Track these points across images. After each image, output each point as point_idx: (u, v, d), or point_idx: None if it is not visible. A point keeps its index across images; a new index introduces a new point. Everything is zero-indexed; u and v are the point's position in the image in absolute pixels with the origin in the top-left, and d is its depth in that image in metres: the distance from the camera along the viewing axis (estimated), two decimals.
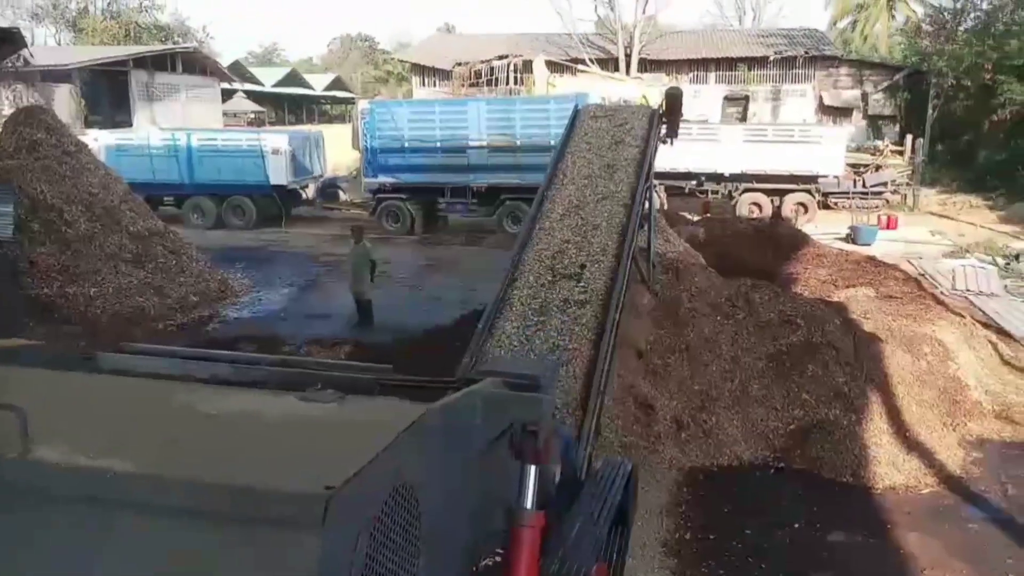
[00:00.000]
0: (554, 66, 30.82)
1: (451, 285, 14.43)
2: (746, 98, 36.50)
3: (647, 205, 9.82)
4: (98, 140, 20.22)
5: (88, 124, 28.46)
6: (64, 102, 28.77)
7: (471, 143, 19.70)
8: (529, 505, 2.89)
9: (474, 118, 19.80)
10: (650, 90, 24.57)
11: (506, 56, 33.14)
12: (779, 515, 6.78)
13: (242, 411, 2.48)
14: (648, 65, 36.82)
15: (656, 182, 12.03)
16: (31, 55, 14.93)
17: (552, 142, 16.79)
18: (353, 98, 53.39)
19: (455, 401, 2.64)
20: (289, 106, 60.21)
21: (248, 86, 53.29)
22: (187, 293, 12.86)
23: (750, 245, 15.59)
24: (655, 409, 8.08)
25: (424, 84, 40.74)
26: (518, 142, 19.24)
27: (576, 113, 10.63)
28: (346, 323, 11.90)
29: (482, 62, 33.82)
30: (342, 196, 25.26)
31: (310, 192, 23.80)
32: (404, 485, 2.08)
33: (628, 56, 36.80)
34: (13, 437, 1.99)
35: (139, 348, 4.70)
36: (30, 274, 11.67)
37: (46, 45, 44.07)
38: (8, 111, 22.15)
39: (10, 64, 14.88)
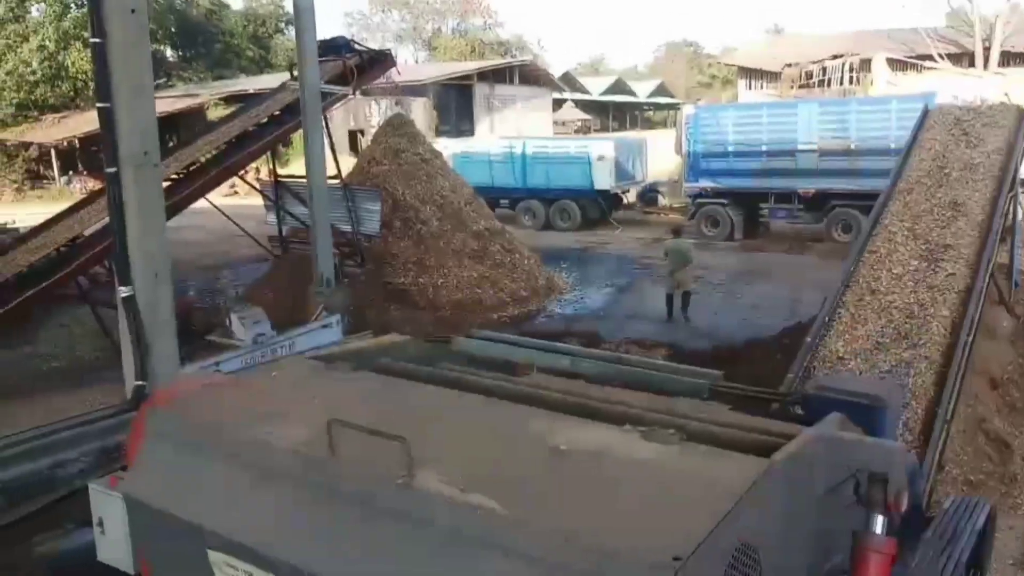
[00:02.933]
0: (895, 64, 28.38)
1: (772, 294, 13.96)
2: None
3: (1010, 216, 8.75)
4: (447, 148, 22.49)
5: (438, 133, 31.77)
6: (420, 114, 32.36)
7: (800, 147, 18.85)
8: (879, 530, 2.75)
9: (804, 120, 18.93)
10: (1015, 87, 21.66)
11: (840, 55, 31.17)
12: None
13: (590, 449, 2.42)
14: (1012, 59, 32.45)
15: (1022, 190, 10.66)
16: (399, 72, 17.01)
17: (893, 145, 15.51)
18: (676, 104, 53.45)
19: (798, 451, 2.54)
20: (614, 113, 61.87)
21: (576, 95, 55.67)
22: (518, 288, 13.88)
23: None
24: (1011, 448, 7.18)
25: (750, 87, 39.66)
26: (853, 145, 18.03)
27: (925, 113, 9.76)
28: (663, 325, 12.07)
29: (813, 63, 32.15)
30: (661, 201, 25.52)
31: (631, 196, 24.36)
32: (747, 546, 2.04)
33: (987, 50, 32.73)
34: (401, 462, 2.15)
35: (487, 335, 5.21)
36: (391, 264, 13.36)
37: (406, 63, 49.83)
38: (376, 123, 25.52)
39: (384, 81, 17.11)
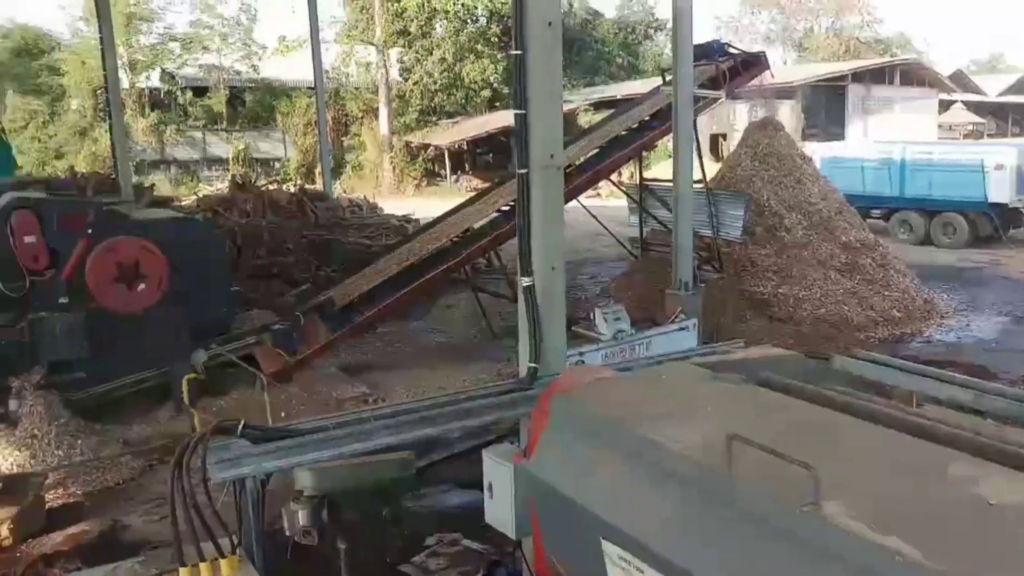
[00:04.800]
0: None
1: None
2: None
3: None
4: (815, 152, 21.33)
5: (805, 137, 30.29)
6: (787, 117, 31.11)
7: None
8: None
9: None
10: None
11: None
12: None
13: (1006, 501, 2.16)
14: None
15: None
16: (772, 75, 16.49)
17: None
18: None
19: None
20: (1014, 116, 54.01)
21: (968, 96, 49.56)
22: (890, 307, 12.75)
23: None
24: None
25: None
26: None
27: None
28: None
29: None
30: None
31: None
32: None
33: None
34: (805, 488, 2.09)
35: (872, 356, 4.86)
36: (750, 272, 13.04)
37: (774, 65, 48.14)
38: (739, 126, 25.01)
39: (755, 84, 16.75)
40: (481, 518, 4.16)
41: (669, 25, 46.78)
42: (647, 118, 14.10)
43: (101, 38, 15.23)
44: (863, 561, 1.92)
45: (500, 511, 4.06)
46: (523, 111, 4.29)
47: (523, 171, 4.36)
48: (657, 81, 16.93)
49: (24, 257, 7.99)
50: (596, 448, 2.83)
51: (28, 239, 7.97)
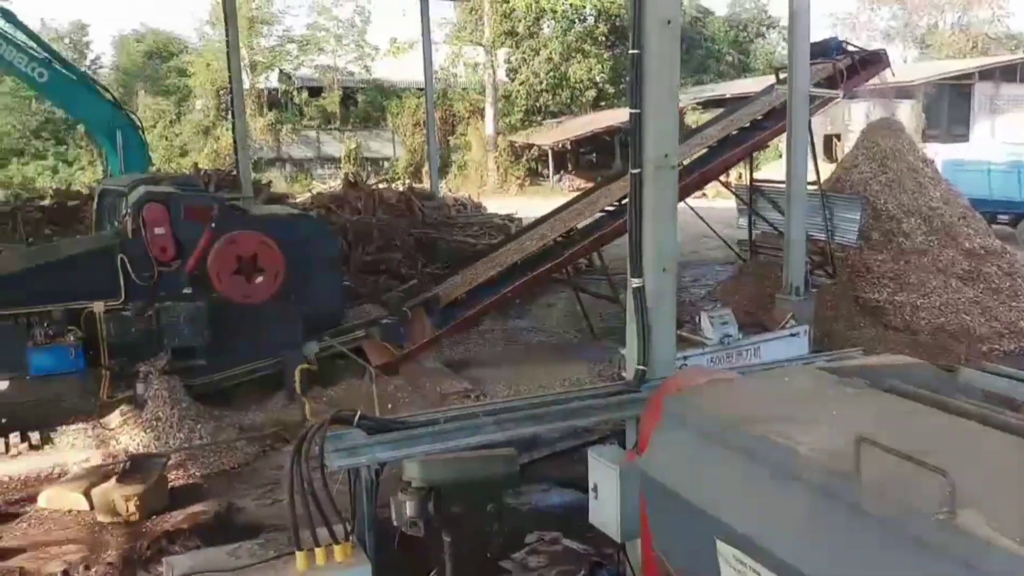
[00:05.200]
0: None
1: None
2: None
3: None
4: (937, 154, 20.28)
5: (925, 138, 28.84)
6: (906, 117, 29.70)
7: None
8: None
9: None
10: None
11: None
12: None
13: None
14: None
15: None
16: (892, 73, 15.80)
17: None
18: None
19: None
20: None
21: None
22: (1017, 318, 12.00)
23: None
24: None
25: None
26: None
27: None
28: None
29: None
30: None
31: None
32: None
33: None
34: (940, 495, 2.03)
35: (1003, 371, 4.59)
36: (865, 278, 12.51)
37: (894, 63, 46.11)
38: (855, 127, 24.05)
39: (876, 83, 16.10)
40: (580, 518, 4.15)
41: (783, 22, 45.35)
42: (759, 117, 13.76)
43: (227, 41, 15.99)
44: (1004, 571, 1.85)
45: (605, 512, 4.05)
46: (638, 110, 4.26)
47: (636, 171, 4.33)
48: (769, 80, 16.50)
49: (154, 247, 8.47)
50: (713, 448, 2.78)
51: (158, 230, 8.46)
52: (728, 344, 8.90)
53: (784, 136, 11.58)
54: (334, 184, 27.12)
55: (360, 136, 39.15)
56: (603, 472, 3.98)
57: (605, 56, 39.49)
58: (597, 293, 12.67)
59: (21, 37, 9.93)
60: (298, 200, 19.30)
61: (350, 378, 9.47)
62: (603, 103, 39.71)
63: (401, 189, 20.33)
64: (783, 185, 11.32)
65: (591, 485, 4.21)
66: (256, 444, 8.14)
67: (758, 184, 14.70)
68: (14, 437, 7.97)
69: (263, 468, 7.74)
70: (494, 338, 12.24)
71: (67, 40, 41.86)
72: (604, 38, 39.58)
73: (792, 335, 9.46)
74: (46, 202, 15.33)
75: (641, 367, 4.43)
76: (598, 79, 39.38)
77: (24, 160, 35.17)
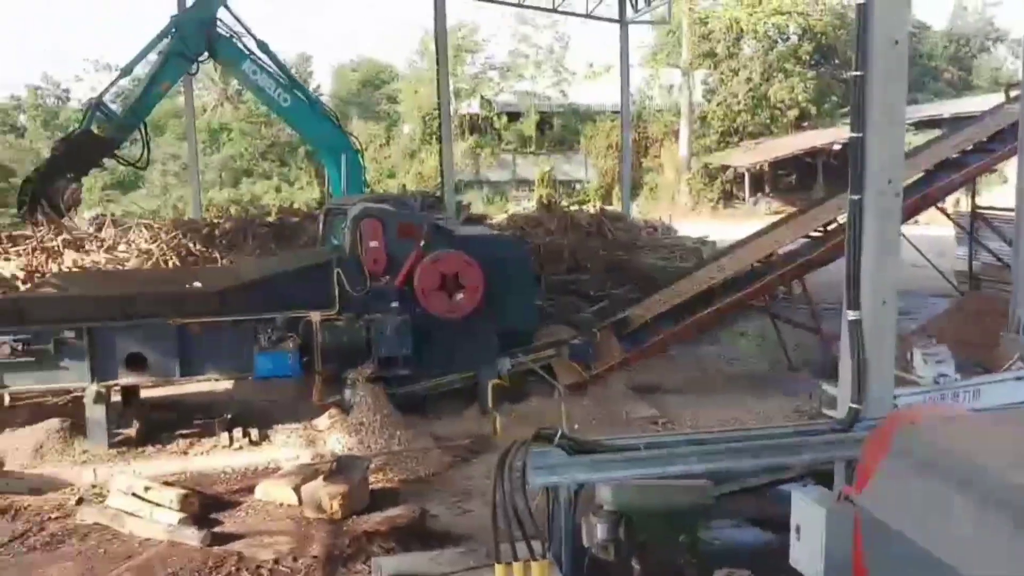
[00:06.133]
0: None
1: None
2: None
3: None
4: None
5: None
6: None
7: None
8: None
9: None
10: None
11: None
12: None
13: None
14: None
15: None
16: None
17: None
18: None
19: None
20: None
21: None
22: None
23: None
24: None
25: None
26: None
27: None
28: None
29: None
30: None
31: None
32: None
33: None
34: None
35: None
36: None
37: None
38: None
39: None
40: (772, 559, 3.97)
41: (1012, 36, 41.54)
42: (985, 139, 12.65)
43: (438, 70, 16.85)
44: None
45: (808, 555, 3.86)
46: (860, 134, 4.05)
47: (856, 197, 4.11)
48: (995, 99, 15.14)
49: (368, 260, 9.06)
50: (949, 489, 2.56)
51: (372, 244, 9.04)
52: (943, 384, 8.21)
53: (1013, 160, 10.58)
54: (528, 205, 27.78)
55: (554, 159, 39.90)
56: (808, 513, 3.79)
57: (809, 76, 37.92)
58: (796, 322, 12.11)
59: (271, 66, 10.96)
60: (494, 220, 19.92)
61: (539, 396, 9.62)
62: (805, 123, 38.07)
63: (592, 211, 20.45)
64: (1011, 213, 10.31)
65: (793, 525, 4.01)
66: (449, 454, 8.44)
67: (981, 211, 13.49)
68: (237, 432, 8.76)
69: (455, 477, 8.00)
70: (683, 363, 11.98)
71: (294, 70, 45.78)
72: (808, 57, 38.01)
73: (1019, 378, 8.58)
74: (271, 219, 16.81)
75: (855, 405, 4.17)
76: (800, 99, 37.90)
77: (252, 180, 38.79)
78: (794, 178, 37.23)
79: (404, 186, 29.07)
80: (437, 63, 17.18)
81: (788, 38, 38.89)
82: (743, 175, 36.52)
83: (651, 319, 10.49)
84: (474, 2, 22.26)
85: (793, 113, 38.25)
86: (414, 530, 6.54)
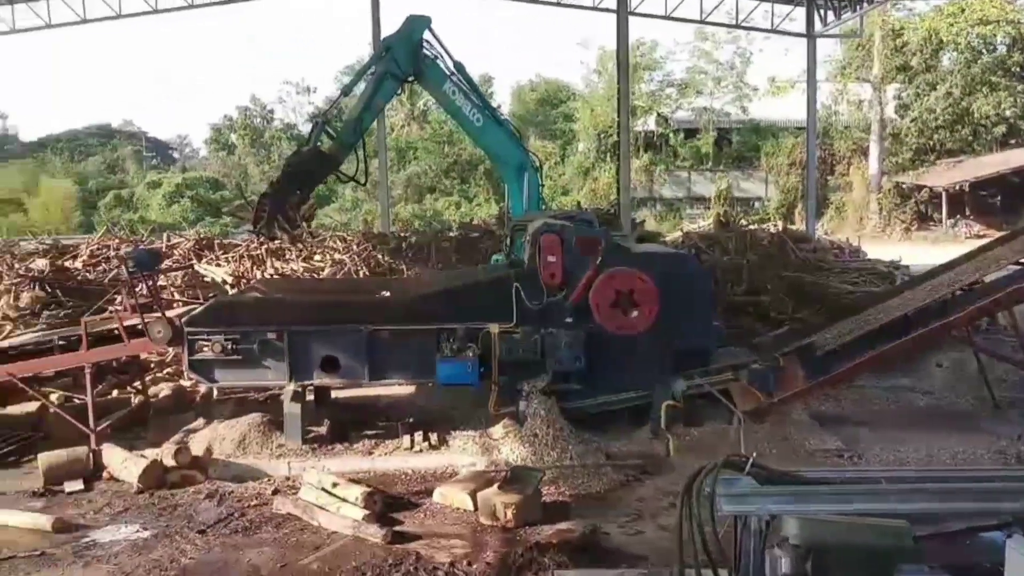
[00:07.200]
0: None
1: None
2: None
3: None
4: None
5: None
6: None
7: None
8: None
9: None
10: None
11: None
12: None
13: None
14: None
15: None
16: None
17: None
18: None
19: None
20: None
21: None
22: None
23: None
24: None
25: None
26: None
27: None
28: None
29: None
30: None
31: None
32: None
33: None
34: None
35: None
36: None
37: None
38: None
39: None
40: None
41: None
42: None
43: (618, 89, 16.89)
44: None
45: None
46: None
47: None
48: None
49: (546, 274, 9.19)
50: None
51: (551, 258, 9.18)
52: None
53: None
54: (704, 223, 27.23)
55: (732, 176, 38.88)
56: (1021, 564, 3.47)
57: (1019, 89, 34.78)
58: (1003, 355, 11.08)
59: (466, 86, 11.36)
60: (668, 238, 19.65)
61: (716, 420, 9.35)
62: (1012, 141, 34.92)
63: (773, 230, 19.71)
64: None
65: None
66: (621, 472, 8.38)
67: None
68: (418, 436, 9.13)
69: (627, 497, 7.93)
70: (872, 395, 11.27)
71: None
72: (1019, 68, 34.87)
73: None
74: (453, 233, 17.47)
75: None
76: (1008, 113, 34.83)
77: (435, 196, 40.47)
78: (999, 199, 34.20)
79: (579, 203, 29.29)
80: (618, 82, 17.21)
81: (995, 49, 35.90)
82: (940, 195, 33.98)
83: (840, 347, 9.92)
84: (654, 20, 22.08)
85: (999, 129, 35.26)
86: (586, 546, 6.54)
